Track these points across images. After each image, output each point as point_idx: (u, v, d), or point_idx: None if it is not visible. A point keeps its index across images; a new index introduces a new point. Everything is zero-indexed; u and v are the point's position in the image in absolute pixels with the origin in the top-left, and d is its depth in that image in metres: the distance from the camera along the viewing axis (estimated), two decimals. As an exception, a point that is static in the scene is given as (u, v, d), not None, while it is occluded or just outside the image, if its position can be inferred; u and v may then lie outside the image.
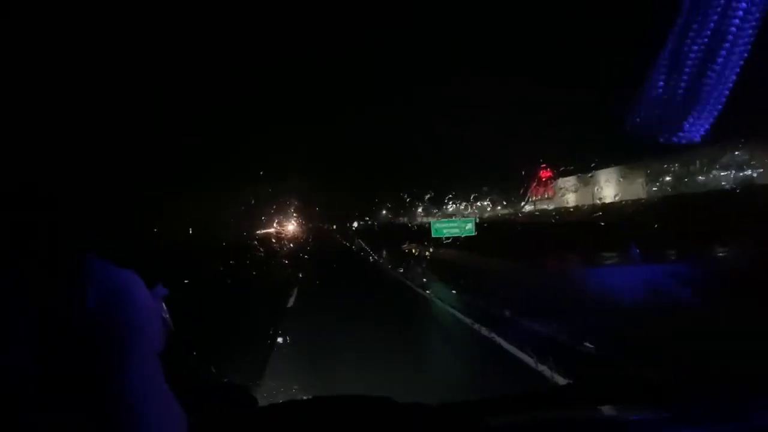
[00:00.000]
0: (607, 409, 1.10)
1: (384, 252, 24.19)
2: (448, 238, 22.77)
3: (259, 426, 0.72)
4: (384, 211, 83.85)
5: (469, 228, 22.38)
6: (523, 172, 65.70)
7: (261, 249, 23.91)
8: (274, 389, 4.98)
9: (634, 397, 1.16)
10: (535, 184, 66.85)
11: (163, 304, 0.78)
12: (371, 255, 24.96)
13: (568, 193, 60.83)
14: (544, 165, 64.18)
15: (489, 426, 0.74)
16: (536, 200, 64.25)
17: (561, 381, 4.90)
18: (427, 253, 18.65)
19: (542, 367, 5.67)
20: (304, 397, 0.79)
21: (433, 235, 23.16)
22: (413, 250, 20.85)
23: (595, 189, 54.84)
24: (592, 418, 1.07)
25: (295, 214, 46.22)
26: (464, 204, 77.84)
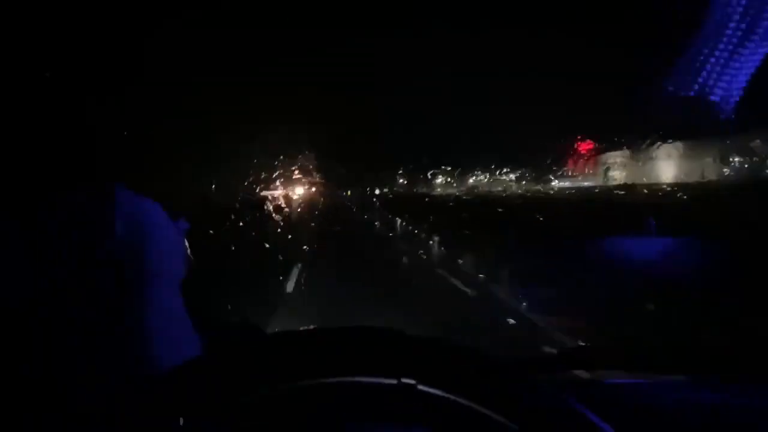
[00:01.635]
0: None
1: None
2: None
3: (271, 354, 0.92)
4: (402, 180, 78.80)
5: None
6: (559, 144, 59.85)
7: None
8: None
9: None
10: (572, 157, 60.49)
11: (185, 238, 0.81)
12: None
13: (615, 170, 54.26)
14: (582, 136, 57.56)
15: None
16: (573, 176, 57.74)
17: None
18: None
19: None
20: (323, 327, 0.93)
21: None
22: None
23: (645, 167, 48.60)
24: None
25: (302, 176, 40.82)
26: (486, 176, 71.91)
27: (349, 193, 72.54)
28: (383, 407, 0.63)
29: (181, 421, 0.55)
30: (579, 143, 58.68)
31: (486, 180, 74.42)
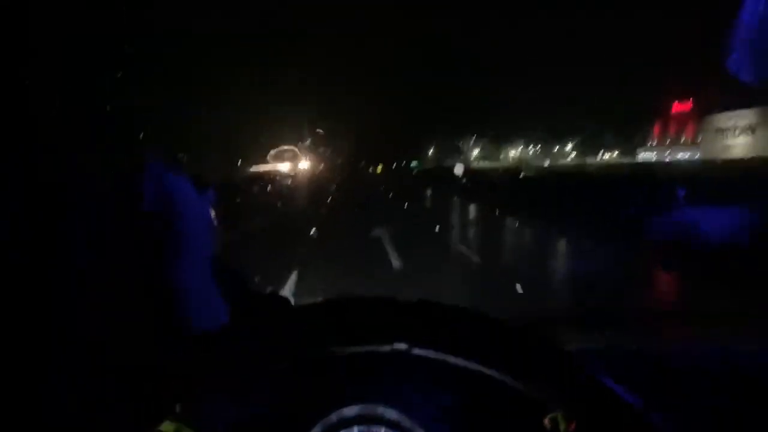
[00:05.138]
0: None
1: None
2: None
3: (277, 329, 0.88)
4: (431, 152, 67.53)
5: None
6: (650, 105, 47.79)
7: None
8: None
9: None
10: (662, 122, 48.49)
11: (211, 209, 0.82)
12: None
13: (732, 137, 41.56)
14: (683, 96, 45.22)
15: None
16: (665, 146, 45.75)
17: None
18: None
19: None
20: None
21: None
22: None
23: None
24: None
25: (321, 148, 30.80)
26: (532, 147, 60.05)
27: (378, 170, 61.15)
28: (380, 373, 0.67)
29: (178, 407, 0.59)
30: (675, 104, 45.72)
31: (534, 152, 62.03)
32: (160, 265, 0.69)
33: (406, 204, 16.91)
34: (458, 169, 28.14)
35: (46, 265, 0.65)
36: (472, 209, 16.66)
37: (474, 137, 63.55)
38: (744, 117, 38.07)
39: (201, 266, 0.73)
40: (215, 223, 0.82)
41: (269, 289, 1.02)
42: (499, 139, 63.79)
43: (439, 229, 10.99)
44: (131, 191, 0.68)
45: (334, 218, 13.44)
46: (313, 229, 10.30)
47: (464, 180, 26.16)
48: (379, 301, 0.69)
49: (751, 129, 37.17)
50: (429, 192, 25.26)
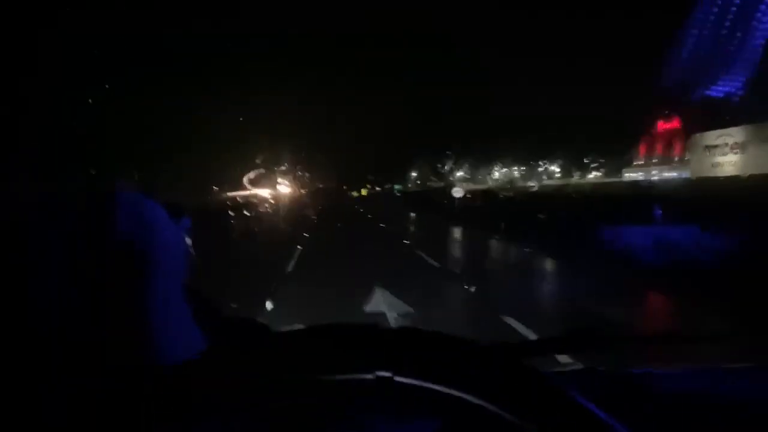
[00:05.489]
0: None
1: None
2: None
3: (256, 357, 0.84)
4: (414, 174, 66.28)
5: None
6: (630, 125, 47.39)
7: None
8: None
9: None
10: (648, 140, 48.16)
11: (186, 236, 0.81)
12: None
13: (721, 155, 40.82)
14: (666, 112, 44.83)
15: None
16: (652, 165, 45.35)
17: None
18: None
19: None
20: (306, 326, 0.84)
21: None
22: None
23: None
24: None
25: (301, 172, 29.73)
26: (520, 168, 59.41)
27: (364, 192, 59.60)
28: (363, 402, 0.65)
29: None
30: (661, 121, 45.42)
31: (519, 173, 61.74)
32: (133, 294, 0.67)
33: (404, 240, 14.10)
34: (457, 192, 25.60)
35: (7, 298, 0.65)
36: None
37: (455, 160, 62.91)
38: (733, 134, 37.47)
39: (175, 295, 0.72)
40: (190, 251, 0.81)
41: (246, 316, 0.96)
42: (482, 160, 63.23)
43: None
44: (102, 220, 0.68)
45: (315, 252, 11.35)
46: (291, 263, 9.19)
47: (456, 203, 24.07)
48: (362, 328, 0.69)
49: (741, 146, 36.40)
50: (414, 215, 23.91)
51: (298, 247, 11.26)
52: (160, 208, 0.74)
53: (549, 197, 24.52)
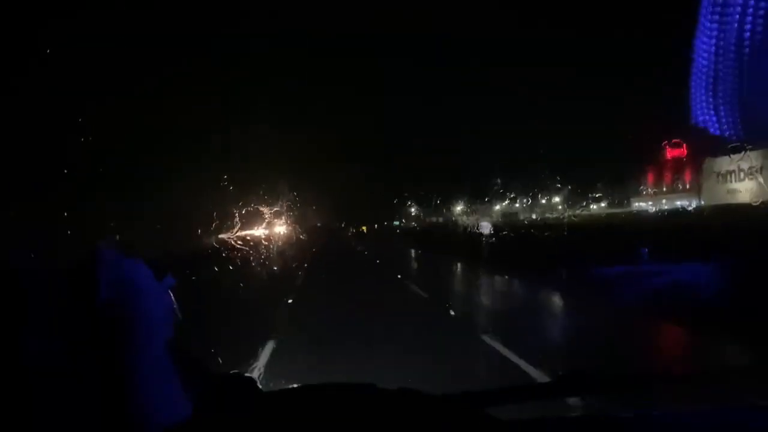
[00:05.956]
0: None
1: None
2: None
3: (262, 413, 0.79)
4: (413, 209, 65.01)
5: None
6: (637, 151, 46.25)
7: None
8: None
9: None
10: (655, 169, 46.82)
11: (171, 294, 0.80)
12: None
13: (737, 181, 39.04)
14: (676, 141, 43.57)
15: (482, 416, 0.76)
16: (661, 194, 43.80)
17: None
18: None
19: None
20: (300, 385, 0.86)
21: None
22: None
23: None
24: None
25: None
26: (524, 200, 58.02)
27: (364, 229, 57.87)
28: None
29: None
30: (669, 149, 44.15)
31: (522, 205, 60.06)
32: (116, 357, 0.65)
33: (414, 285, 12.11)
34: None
35: None
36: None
37: (456, 194, 61.86)
38: (747, 159, 35.14)
39: (160, 356, 0.70)
40: (175, 308, 0.79)
41: (234, 372, 0.93)
42: (483, 194, 62.07)
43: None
44: (86, 280, 0.66)
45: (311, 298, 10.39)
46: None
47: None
48: (357, 389, 0.65)
49: (758, 171, 33.99)
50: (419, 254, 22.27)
51: (289, 301, 9.81)
52: (143, 267, 0.70)
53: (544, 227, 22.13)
